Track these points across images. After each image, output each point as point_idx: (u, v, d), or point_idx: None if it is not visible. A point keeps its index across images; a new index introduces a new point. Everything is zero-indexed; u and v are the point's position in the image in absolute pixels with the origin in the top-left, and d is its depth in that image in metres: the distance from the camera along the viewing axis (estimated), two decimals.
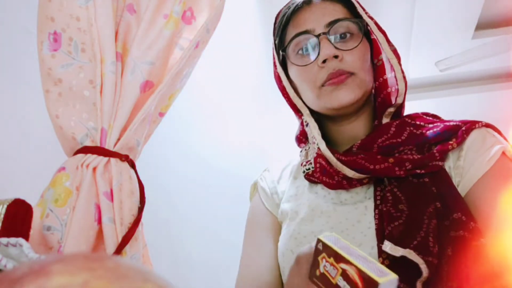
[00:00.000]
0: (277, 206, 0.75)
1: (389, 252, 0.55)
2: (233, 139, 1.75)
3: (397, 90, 0.71)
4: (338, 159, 0.66)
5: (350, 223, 0.64)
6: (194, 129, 1.45)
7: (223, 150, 1.62)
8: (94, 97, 0.65)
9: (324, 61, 0.66)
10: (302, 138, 0.80)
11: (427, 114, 0.74)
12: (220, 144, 1.61)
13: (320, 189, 0.71)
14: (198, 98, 1.46)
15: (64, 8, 0.65)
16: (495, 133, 0.65)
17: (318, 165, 0.70)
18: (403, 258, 0.54)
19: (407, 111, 0.75)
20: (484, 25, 2.34)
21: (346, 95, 0.66)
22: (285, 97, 0.77)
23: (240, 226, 0.80)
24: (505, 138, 0.65)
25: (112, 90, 0.65)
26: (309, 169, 0.72)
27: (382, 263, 0.57)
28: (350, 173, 0.65)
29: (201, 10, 0.78)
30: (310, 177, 0.72)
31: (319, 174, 0.69)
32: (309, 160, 0.73)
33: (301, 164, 0.75)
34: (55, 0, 0.65)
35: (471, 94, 2.92)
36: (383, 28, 0.71)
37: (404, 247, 0.55)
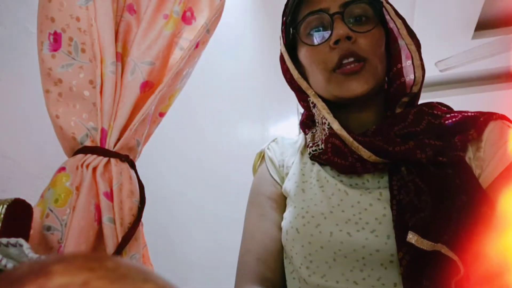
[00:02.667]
0: (283, 179, 0.73)
1: (416, 244, 0.52)
2: (234, 139, 1.75)
3: (414, 78, 0.68)
4: (354, 138, 0.63)
5: (362, 207, 0.60)
6: (194, 129, 1.45)
7: (222, 150, 1.62)
8: (94, 97, 0.65)
9: (336, 43, 0.64)
10: (308, 122, 0.76)
11: (442, 104, 0.72)
12: (220, 145, 1.61)
13: (329, 169, 0.68)
14: (199, 98, 1.46)
15: (64, 8, 0.65)
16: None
17: (330, 145, 0.66)
18: (429, 253, 0.52)
19: None
20: (484, 25, 2.34)
21: (358, 86, 0.64)
22: (287, 80, 0.75)
23: (240, 226, 0.80)
24: None
25: (112, 90, 0.65)
26: (315, 150, 0.69)
27: (402, 258, 0.54)
28: (366, 154, 0.61)
29: (201, 10, 0.78)
30: (317, 159, 0.69)
31: (330, 155, 0.66)
32: (316, 142, 0.71)
33: (307, 146, 0.72)
34: (55, 0, 0.65)
35: (471, 94, 2.92)
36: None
37: (432, 241, 0.52)
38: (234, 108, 1.80)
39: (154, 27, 0.70)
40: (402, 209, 0.57)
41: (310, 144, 0.72)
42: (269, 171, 0.75)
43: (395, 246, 0.56)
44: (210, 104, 1.57)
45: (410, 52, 0.67)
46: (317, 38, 0.67)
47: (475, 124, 0.63)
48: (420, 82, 0.68)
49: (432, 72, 2.64)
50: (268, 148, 0.79)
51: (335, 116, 0.68)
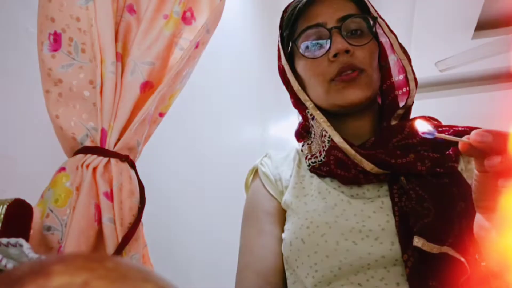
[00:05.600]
0: (281, 193, 0.73)
1: (422, 248, 0.53)
2: (234, 139, 1.75)
3: (408, 91, 0.71)
4: (356, 151, 0.65)
5: (366, 215, 0.62)
6: (194, 129, 1.45)
7: (222, 150, 1.62)
8: (94, 97, 0.65)
9: (335, 56, 0.66)
10: (303, 133, 0.78)
11: (432, 118, 0.74)
12: (220, 145, 1.61)
13: (329, 181, 0.69)
14: (199, 98, 1.46)
15: (64, 8, 0.65)
16: None
17: (332, 157, 0.68)
18: (433, 256, 0.54)
19: None
20: (484, 25, 2.34)
21: (356, 93, 0.66)
22: (288, 91, 0.76)
23: (240, 226, 0.79)
24: None
25: (112, 91, 0.65)
26: (315, 162, 0.71)
27: (407, 260, 0.56)
28: (369, 166, 0.63)
29: (201, 10, 0.78)
30: (317, 171, 0.70)
31: (333, 167, 0.68)
32: (314, 154, 0.72)
33: (306, 158, 0.74)
34: (55, 1, 0.65)
35: (471, 94, 2.92)
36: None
37: (439, 244, 0.54)
38: (234, 108, 1.80)
39: (154, 27, 0.70)
40: (404, 216, 0.59)
41: (309, 156, 0.73)
42: (264, 186, 0.75)
43: (399, 251, 0.57)
44: (210, 104, 1.57)
45: (403, 66, 0.71)
46: (315, 51, 0.69)
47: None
48: (414, 95, 0.72)
49: (432, 72, 2.64)
50: (261, 164, 0.79)
51: (333, 126, 0.70)
